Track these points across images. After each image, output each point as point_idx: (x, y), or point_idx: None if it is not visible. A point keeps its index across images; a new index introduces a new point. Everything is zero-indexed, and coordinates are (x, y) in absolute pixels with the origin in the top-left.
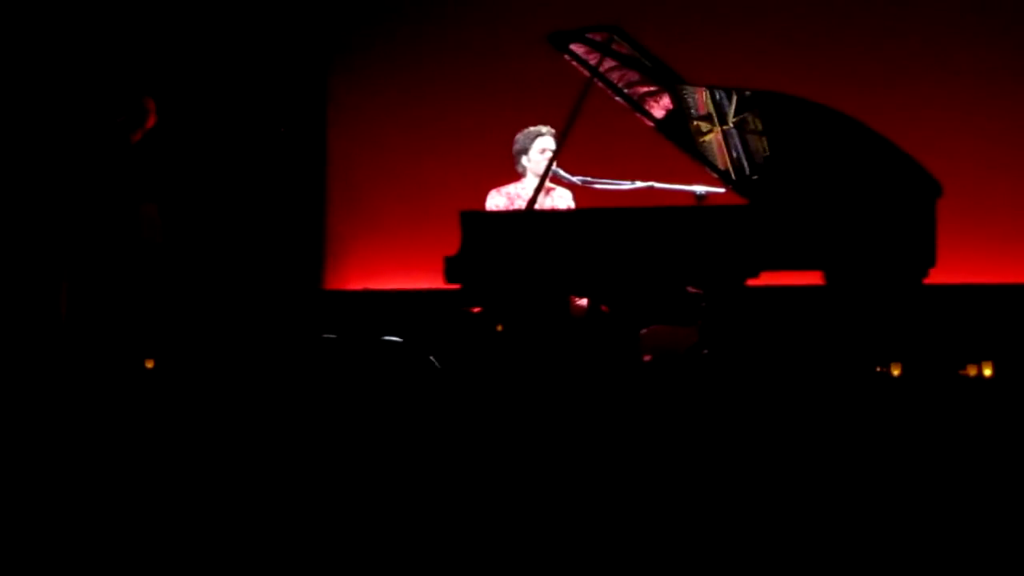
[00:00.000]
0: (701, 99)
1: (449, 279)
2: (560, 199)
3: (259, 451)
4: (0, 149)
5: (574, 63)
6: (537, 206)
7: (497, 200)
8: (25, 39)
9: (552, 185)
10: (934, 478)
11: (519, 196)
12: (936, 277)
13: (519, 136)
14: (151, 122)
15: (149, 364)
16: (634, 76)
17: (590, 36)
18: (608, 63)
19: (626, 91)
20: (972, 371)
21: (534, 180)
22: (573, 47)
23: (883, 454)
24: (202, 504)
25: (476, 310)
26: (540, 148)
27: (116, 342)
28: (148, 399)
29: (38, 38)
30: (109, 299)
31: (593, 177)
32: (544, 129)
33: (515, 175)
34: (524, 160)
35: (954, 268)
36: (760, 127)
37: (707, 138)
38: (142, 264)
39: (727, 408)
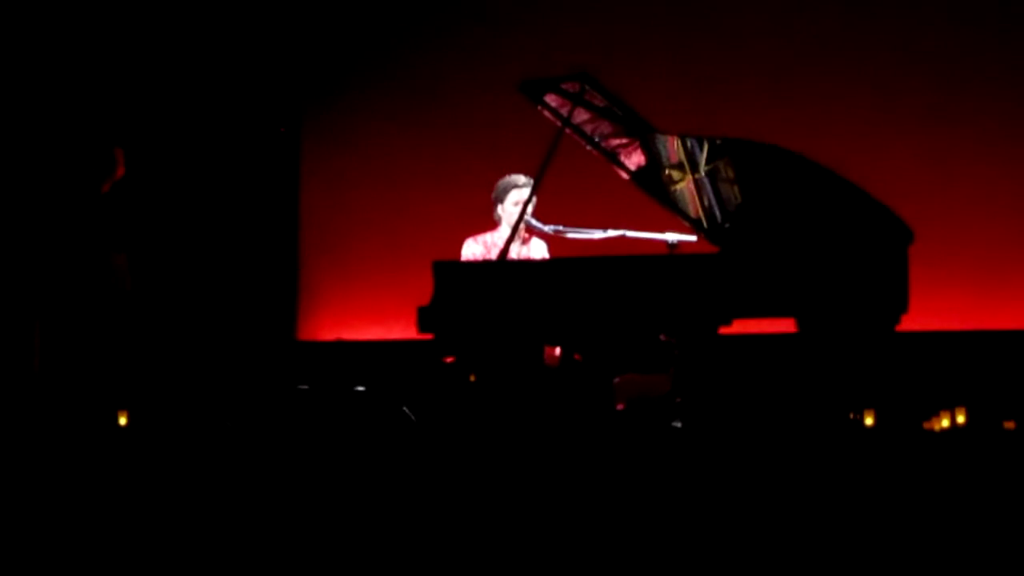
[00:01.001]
0: (672, 147)
1: (422, 329)
2: (536, 250)
3: (233, 503)
4: None
5: (545, 112)
6: (513, 256)
7: (474, 248)
8: None
9: (528, 235)
10: (907, 526)
11: (495, 244)
12: (909, 323)
13: (498, 183)
14: (120, 172)
15: (122, 416)
16: (605, 125)
17: (562, 85)
18: (579, 112)
19: (597, 140)
20: (945, 417)
21: (508, 229)
22: (545, 97)
23: (857, 502)
24: (177, 557)
25: (449, 360)
26: (514, 200)
27: (88, 393)
28: (120, 451)
29: (7, 89)
30: (81, 350)
31: (565, 226)
32: (521, 180)
33: (490, 222)
34: (499, 209)
35: (927, 314)
36: (732, 175)
37: (679, 186)
38: (113, 314)
39: (701, 456)
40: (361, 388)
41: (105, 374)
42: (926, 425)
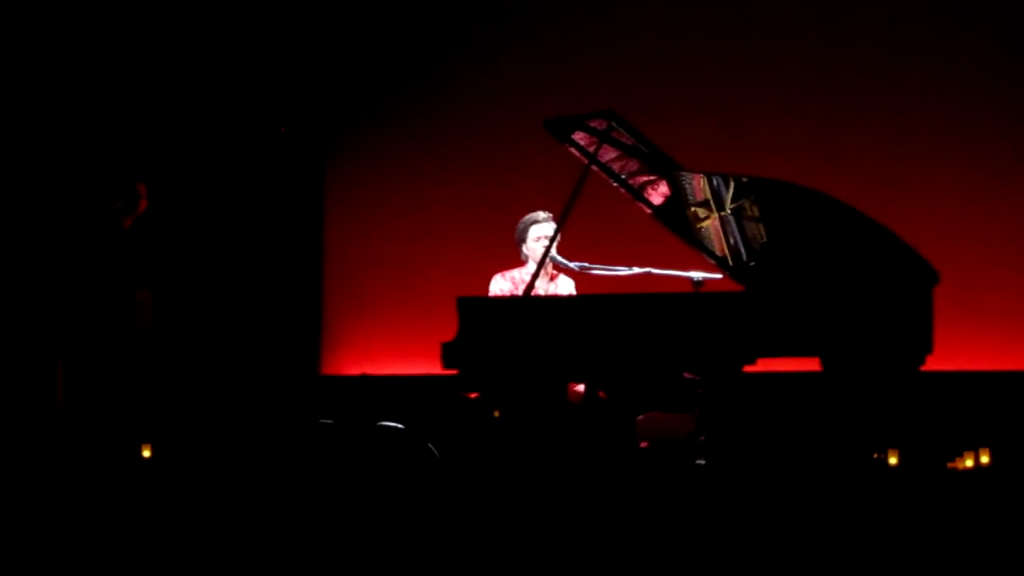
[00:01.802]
0: (698, 185)
1: (446, 365)
2: (564, 286)
3: (256, 536)
4: None
5: (571, 149)
6: (540, 292)
7: (502, 284)
8: (20, 126)
9: (556, 272)
10: (930, 566)
11: (523, 280)
12: (933, 363)
13: (518, 223)
14: (142, 207)
15: (145, 450)
16: (631, 162)
17: (587, 123)
18: (605, 149)
19: (623, 177)
20: (969, 458)
21: (535, 266)
22: (570, 134)
23: (880, 543)
24: None
25: (473, 396)
26: (536, 236)
27: (112, 428)
28: (143, 485)
29: (33, 124)
30: (104, 385)
31: (590, 263)
32: (540, 216)
33: (514, 258)
34: (524, 248)
35: (951, 355)
36: (757, 213)
37: (704, 224)
38: (136, 350)
39: (724, 495)
40: (385, 423)
41: (128, 408)
42: (950, 465)
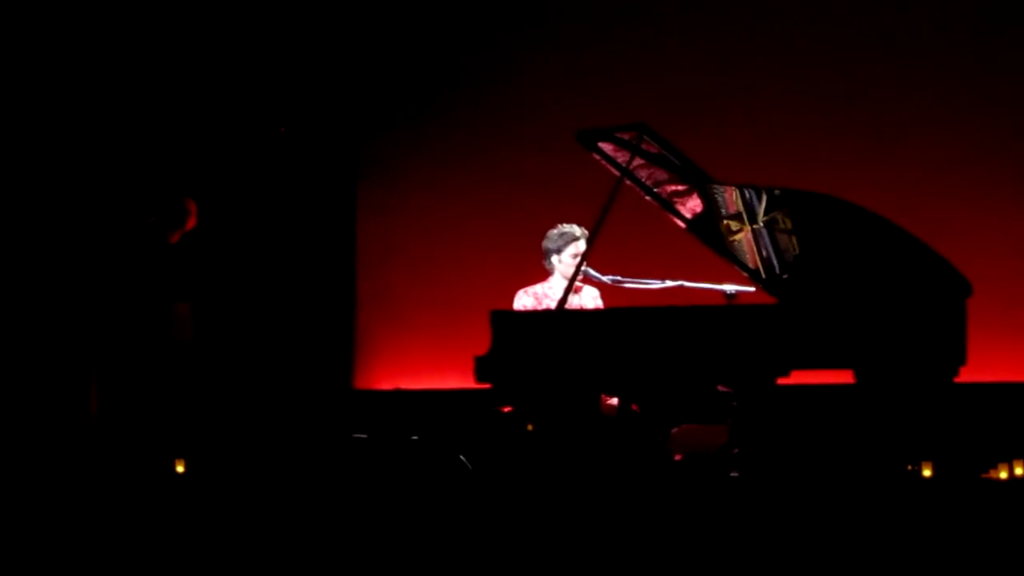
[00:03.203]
0: (731, 198)
1: (479, 379)
2: (588, 297)
3: (291, 550)
4: (39, 244)
5: (603, 162)
6: (571, 305)
7: (525, 300)
8: (68, 138)
9: (580, 284)
10: None
11: (547, 296)
12: (967, 375)
13: (552, 233)
14: (191, 224)
15: (179, 465)
16: (663, 175)
17: (618, 135)
18: (637, 162)
19: (655, 190)
20: (1003, 470)
21: (561, 280)
22: (602, 145)
23: (914, 555)
24: None
25: (507, 409)
26: (573, 252)
27: (146, 441)
28: (178, 499)
29: (82, 137)
30: (140, 398)
31: (623, 276)
32: (578, 232)
33: (544, 273)
34: (555, 260)
35: (985, 366)
36: (790, 226)
37: (737, 237)
38: (173, 363)
39: (758, 507)
40: (417, 437)
41: (164, 421)
42: (984, 476)
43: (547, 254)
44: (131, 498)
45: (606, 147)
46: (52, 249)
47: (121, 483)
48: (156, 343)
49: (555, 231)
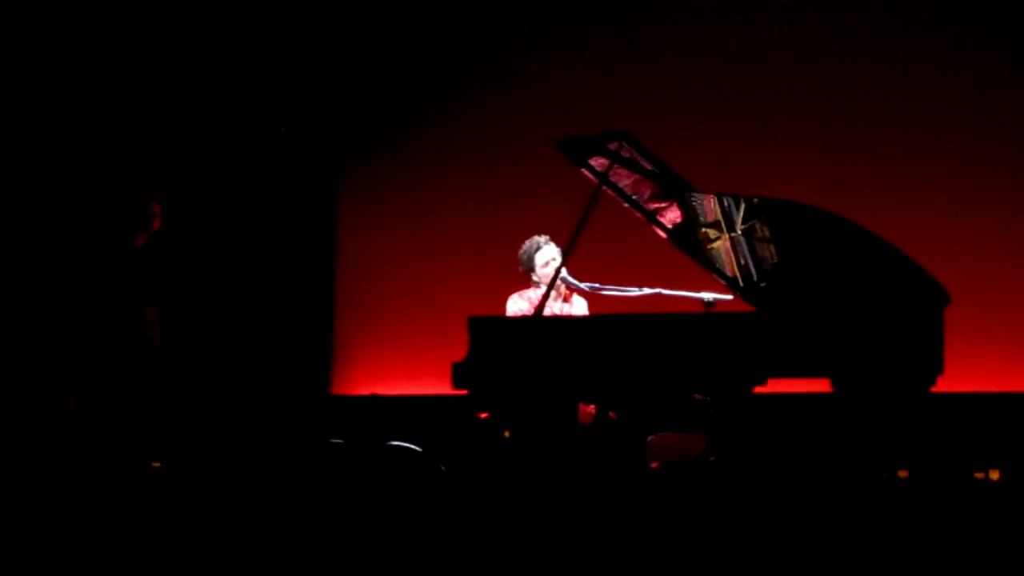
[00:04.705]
0: (709, 206)
1: (456, 385)
2: (578, 307)
3: (265, 556)
4: (9, 251)
5: (583, 170)
6: (554, 313)
7: (520, 304)
8: (32, 141)
9: (570, 292)
10: None
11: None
12: (944, 385)
13: (520, 253)
14: (156, 226)
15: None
16: (642, 183)
17: (599, 143)
18: (617, 169)
19: (634, 197)
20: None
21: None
22: (581, 154)
23: (891, 563)
24: None
25: (483, 416)
26: (543, 261)
27: (122, 445)
28: (154, 502)
29: (47, 141)
30: (114, 402)
31: (601, 283)
32: (541, 240)
33: (524, 278)
34: (533, 276)
35: (962, 376)
36: (768, 234)
37: (715, 245)
38: (143, 369)
39: (735, 515)
40: (394, 443)
41: (137, 427)
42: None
43: (526, 271)
44: (107, 500)
45: (587, 155)
46: (24, 253)
47: (98, 485)
48: (126, 347)
49: (522, 247)
